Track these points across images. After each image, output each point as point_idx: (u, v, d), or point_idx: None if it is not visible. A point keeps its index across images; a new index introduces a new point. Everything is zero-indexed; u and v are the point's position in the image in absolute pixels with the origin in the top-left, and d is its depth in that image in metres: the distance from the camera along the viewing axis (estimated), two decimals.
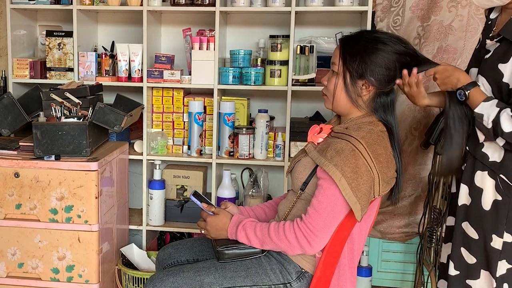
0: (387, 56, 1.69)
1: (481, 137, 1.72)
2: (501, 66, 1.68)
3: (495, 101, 1.66)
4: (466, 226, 1.80)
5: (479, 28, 2.66)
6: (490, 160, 1.74)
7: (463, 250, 1.82)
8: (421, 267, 2.74)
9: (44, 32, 2.88)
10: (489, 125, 1.65)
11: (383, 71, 1.70)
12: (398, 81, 1.73)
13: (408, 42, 1.75)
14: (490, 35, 1.78)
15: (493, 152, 1.73)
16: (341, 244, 1.71)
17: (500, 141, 1.67)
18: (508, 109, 1.62)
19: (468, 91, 1.70)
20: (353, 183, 1.60)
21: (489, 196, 1.73)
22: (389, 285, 3.05)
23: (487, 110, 1.65)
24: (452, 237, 1.88)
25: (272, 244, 1.69)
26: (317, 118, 2.86)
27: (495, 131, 1.64)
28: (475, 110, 1.68)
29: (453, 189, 1.93)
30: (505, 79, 1.67)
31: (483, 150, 1.75)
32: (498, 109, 1.63)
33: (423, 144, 2.57)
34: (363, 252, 2.78)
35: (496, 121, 1.62)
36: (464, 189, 1.80)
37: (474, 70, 1.82)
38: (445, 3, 2.69)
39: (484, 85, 1.73)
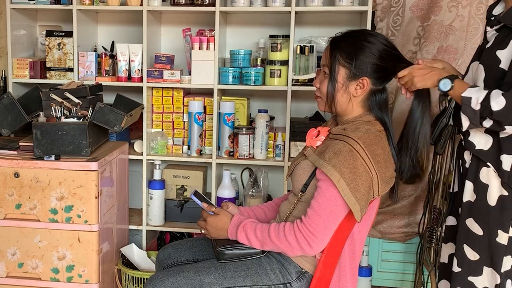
0: (377, 54, 1.69)
1: (466, 123, 1.70)
2: (498, 53, 1.69)
3: (481, 87, 1.68)
4: (470, 222, 1.80)
5: (479, 28, 2.66)
6: (476, 148, 1.75)
7: (465, 247, 1.81)
8: (421, 267, 2.74)
9: (44, 32, 2.88)
10: (477, 107, 1.63)
11: (375, 69, 1.70)
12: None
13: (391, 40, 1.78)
14: (492, 21, 1.79)
15: (479, 140, 1.74)
16: (341, 244, 1.71)
17: (487, 123, 1.65)
18: (497, 90, 1.62)
19: (453, 80, 1.70)
20: (352, 183, 1.60)
21: (495, 191, 1.73)
22: (389, 285, 3.05)
23: (475, 93, 1.65)
24: (456, 234, 1.88)
25: (272, 245, 1.69)
26: (317, 118, 2.86)
27: (482, 113, 1.63)
28: (462, 95, 1.67)
29: (455, 189, 1.93)
30: (501, 65, 1.68)
31: (469, 138, 1.76)
32: (487, 91, 1.63)
33: None
34: (363, 252, 2.77)
35: (486, 101, 1.61)
36: (469, 185, 1.80)
37: (475, 64, 1.82)
38: (445, 3, 2.69)
39: (481, 74, 1.74)
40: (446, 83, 1.71)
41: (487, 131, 1.72)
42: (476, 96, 1.64)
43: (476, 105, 1.64)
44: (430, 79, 1.73)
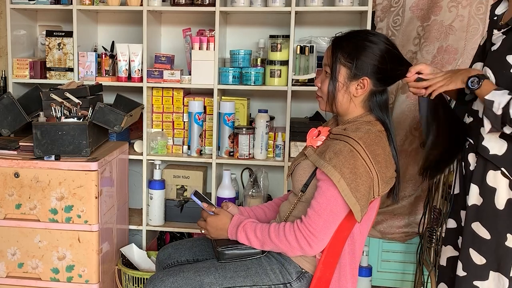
0: (379, 54, 1.69)
1: (488, 126, 1.67)
2: (509, 58, 1.66)
3: (506, 90, 1.64)
4: (476, 226, 1.77)
5: (479, 29, 2.65)
6: (490, 153, 1.72)
7: (471, 251, 1.79)
8: (421, 267, 2.74)
9: (44, 32, 2.88)
10: (499, 112, 1.61)
11: (376, 69, 1.69)
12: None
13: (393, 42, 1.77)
14: (500, 23, 1.76)
15: (494, 145, 1.71)
16: (341, 244, 1.71)
17: (508, 129, 1.63)
18: None
19: (483, 80, 1.66)
20: (352, 184, 1.60)
21: (503, 195, 1.71)
22: (389, 285, 3.05)
23: (498, 97, 1.62)
24: (456, 237, 1.86)
25: (272, 245, 1.69)
26: (317, 118, 2.86)
27: (504, 119, 1.61)
28: (486, 97, 1.64)
29: (456, 191, 1.91)
30: None
31: (483, 143, 1.74)
32: (510, 96, 1.60)
33: (422, 144, 2.56)
34: (363, 252, 2.77)
35: (507, 107, 1.59)
36: (474, 189, 1.77)
37: (479, 64, 1.80)
38: (445, 3, 2.69)
39: (490, 77, 1.71)
40: (474, 82, 1.67)
41: (502, 136, 1.69)
42: (498, 100, 1.61)
43: (498, 109, 1.61)
44: (460, 77, 1.70)
